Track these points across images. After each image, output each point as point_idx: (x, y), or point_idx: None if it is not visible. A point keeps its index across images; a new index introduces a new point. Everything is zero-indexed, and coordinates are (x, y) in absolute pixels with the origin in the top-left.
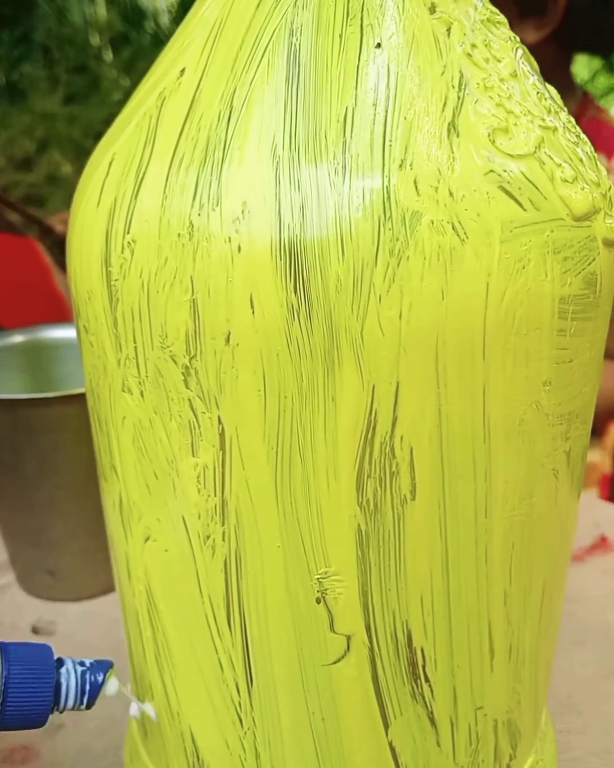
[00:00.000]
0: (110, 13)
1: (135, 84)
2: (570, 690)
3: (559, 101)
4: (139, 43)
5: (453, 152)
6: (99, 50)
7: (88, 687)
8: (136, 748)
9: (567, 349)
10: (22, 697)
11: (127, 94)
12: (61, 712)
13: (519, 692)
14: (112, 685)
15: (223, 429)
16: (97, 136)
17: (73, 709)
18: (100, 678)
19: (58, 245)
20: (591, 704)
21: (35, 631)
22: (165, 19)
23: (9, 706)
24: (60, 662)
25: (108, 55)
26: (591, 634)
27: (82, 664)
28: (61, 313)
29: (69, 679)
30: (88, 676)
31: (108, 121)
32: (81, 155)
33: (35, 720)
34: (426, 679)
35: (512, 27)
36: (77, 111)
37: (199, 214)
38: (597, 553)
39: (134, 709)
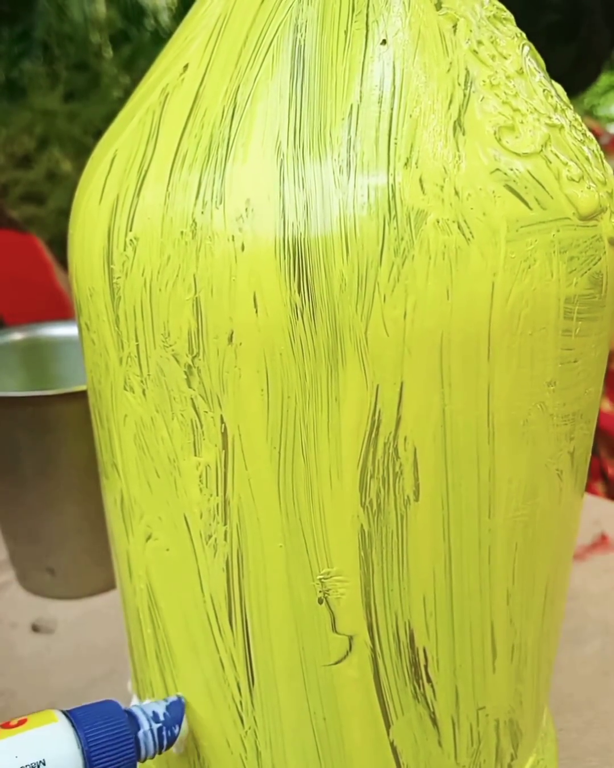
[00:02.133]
0: (110, 11)
1: (135, 81)
2: (570, 688)
3: (566, 99)
4: (139, 41)
5: (459, 150)
6: (99, 47)
7: (165, 741)
8: None
9: (572, 350)
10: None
11: (127, 92)
12: (142, 762)
13: (521, 692)
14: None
15: (225, 428)
16: (97, 134)
17: (153, 758)
18: (177, 730)
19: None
20: (591, 702)
21: (35, 629)
22: (165, 17)
23: None
24: (134, 720)
25: (108, 53)
26: (591, 632)
27: (156, 718)
28: (63, 310)
29: (146, 739)
30: (165, 731)
31: (108, 119)
32: (81, 153)
33: None
34: (428, 680)
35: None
36: (77, 108)
37: (202, 212)
38: (597, 551)
39: None
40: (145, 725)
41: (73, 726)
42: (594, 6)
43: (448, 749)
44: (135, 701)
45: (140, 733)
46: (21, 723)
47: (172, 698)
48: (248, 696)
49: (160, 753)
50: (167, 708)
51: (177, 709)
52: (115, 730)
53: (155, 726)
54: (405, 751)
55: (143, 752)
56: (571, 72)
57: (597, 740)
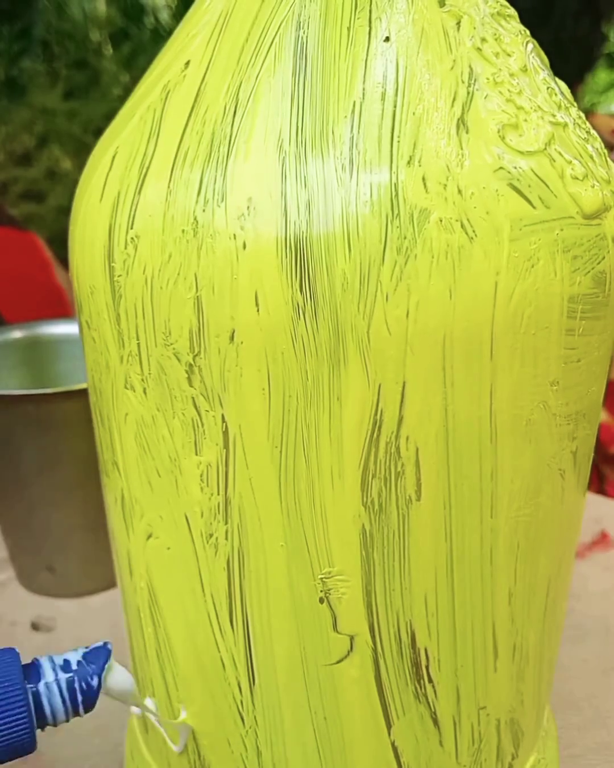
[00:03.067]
0: (110, 9)
1: (135, 79)
2: (571, 686)
3: (569, 97)
4: (139, 39)
5: (462, 149)
6: (99, 45)
7: (80, 696)
8: (137, 744)
9: (575, 349)
10: None
11: (128, 90)
12: (55, 726)
13: (523, 692)
14: (118, 678)
15: (226, 427)
16: (97, 132)
17: (68, 720)
18: (95, 681)
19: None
20: (592, 700)
21: (35, 627)
22: (165, 15)
23: None
24: (35, 670)
25: (108, 51)
26: (591, 631)
27: (66, 667)
28: (62, 308)
29: (51, 692)
30: (77, 683)
31: (108, 117)
32: (81, 151)
33: (18, 748)
34: (430, 680)
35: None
36: (77, 106)
37: (203, 210)
38: (597, 549)
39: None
40: (48, 675)
41: None
42: None
43: (449, 749)
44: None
45: (41, 685)
46: None
47: (97, 644)
48: (249, 695)
49: (75, 714)
50: (84, 656)
51: (98, 657)
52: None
53: (64, 676)
54: (407, 750)
55: (48, 710)
56: (554, 58)
57: (597, 738)
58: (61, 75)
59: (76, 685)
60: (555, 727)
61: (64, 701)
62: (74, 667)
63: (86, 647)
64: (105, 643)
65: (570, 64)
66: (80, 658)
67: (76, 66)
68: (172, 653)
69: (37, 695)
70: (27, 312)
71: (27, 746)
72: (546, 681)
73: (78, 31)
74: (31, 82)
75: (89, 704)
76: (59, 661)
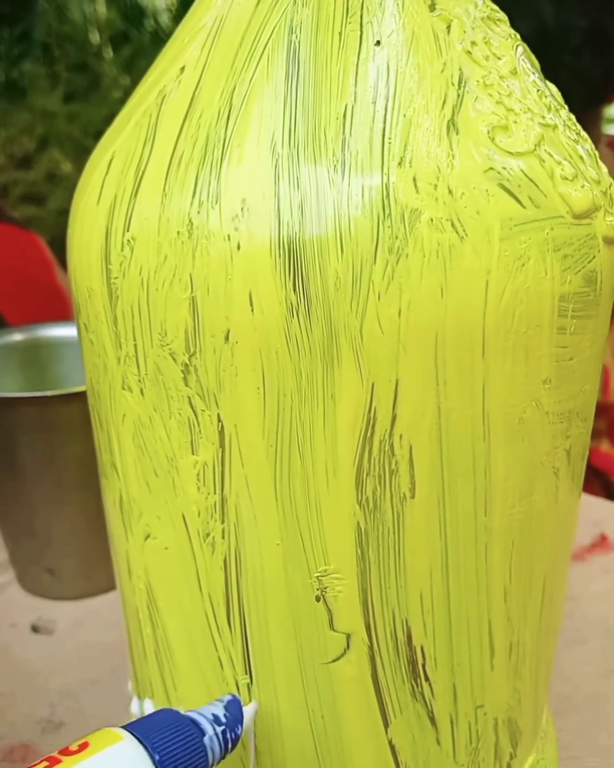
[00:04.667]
0: (110, 11)
1: (135, 82)
2: (570, 688)
3: (559, 99)
4: (139, 42)
5: (452, 150)
6: (99, 48)
7: (230, 745)
8: None
9: (567, 348)
10: None
11: (127, 93)
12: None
13: (520, 690)
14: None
15: (222, 427)
16: (97, 135)
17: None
18: (239, 729)
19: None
20: (591, 702)
21: (35, 629)
22: (165, 18)
23: None
24: (195, 726)
25: (108, 54)
26: (591, 633)
27: (218, 720)
28: (63, 310)
29: (212, 743)
30: (228, 733)
31: (108, 120)
32: (81, 153)
33: None
34: (426, 678)
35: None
36: (77, 109)
37: (198, 212)
38: (597, 551)
39: (134, 706)
40: (208, 730)
41: (140, 741)
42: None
43: (447, 748)
44: (135, 704)
45: (206, 739)
46: (83, 747)
47: (227, 697)
48: (247, 694)
49: (223, 758)
50: (226, 708)
51: (235, 709)
52: (184, 739)
53: (219, 729)
54: (404, 749)
55: (211, 758)
56: (604, 85)
57: (597, 740)
58: (61, 78)
59: (228, 735)
60: (554, 729)
61: (221, 748)
62: (223, 720)
63: (222, 701)
64: (234, 696)
65: (572, 99)
66: (225, 712)
67: (76, 69)
68: (171, 653)
69: (204, 746)
70: (28, 313)
71: None
72: (544, 681)
73: (78, 34)
74: (31, 85)
75: (233, 747)
76: (209, 715)
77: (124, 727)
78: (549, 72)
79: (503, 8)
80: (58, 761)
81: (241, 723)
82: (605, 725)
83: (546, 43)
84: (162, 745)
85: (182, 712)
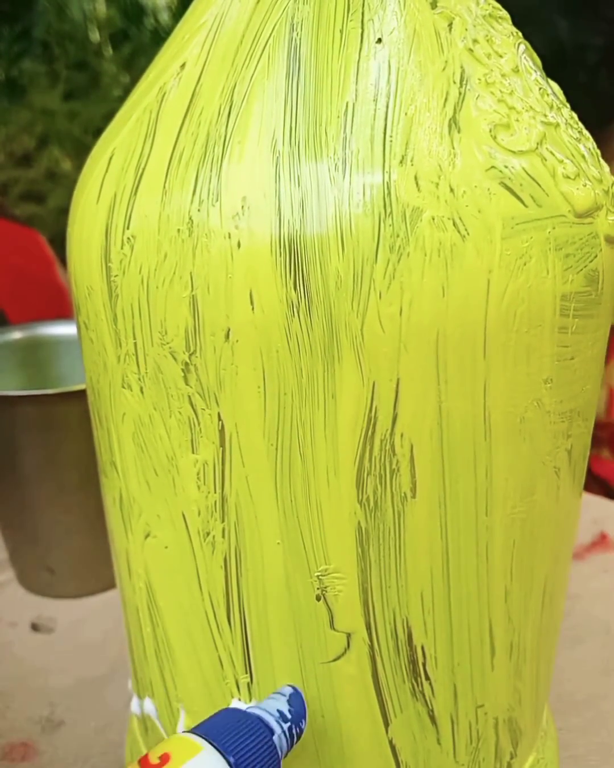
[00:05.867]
0: (110, 10)
1: (135, 80)
2: (571, 687)
3: (562, 97)
4: (139, 40)
5: (454, 148)
6: (99, 46)
7: (295, 740)
8: (136, 744)
9: (568, 347)
10: None
11: (127, 91)
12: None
13: (520, 690)
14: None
15: (222, 426)
16: (97, 133)
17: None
18: (303, 724)
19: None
20: (591, 701)
21: (35, 628)
22: (165, 16)
23: None
24: (265, 724)
25: (108, 52)
26: (590, 632)
27: (284, 717)
28: (65, 307)
29: (281, 741)
30: (294, 729)
31: (108, 118)
32: (81, 151)
33: None
34: (427, 677)
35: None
36: (77, 107)
37: (198, 210)
38: (596, 550)
39: (134, 704)
40: (277, 729)
41: (218, 751)
42: None
43: (447, 747)
44: (135, 703)
45: (275, 738)
46: (164, 759)
47: (288, 690)
48: (247, 694)
49: (288, 754)
50: (289, 703)
51: (298, 703)
52: (258, 742)
53: (285, 726)
54: (404, 748)
55: (280, 756)
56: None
57: (597, 739)
58: (61, 76)
59: (294, 731)
60: (555, 728)
61: (288, 745)
62: (289, 716)
63: (284, 695)
64: (295, 689)
65: (587, 116)
66: (289, 707)
67: (76, 67)
68: (171, 652)
69: (274, 744)
70: (30, 310)
71: None
72: (545, 680)
73: (78, 32)
74: (31, 83)
75: (299, 739)
76: (275, 712)
77: (199, 734)
78: (565, 90)
79: (518, 25)
80: None
81: (305, 717)
82: (605, 724)
83: (562, 61)
84: (238, 751)
85: (245, 708)
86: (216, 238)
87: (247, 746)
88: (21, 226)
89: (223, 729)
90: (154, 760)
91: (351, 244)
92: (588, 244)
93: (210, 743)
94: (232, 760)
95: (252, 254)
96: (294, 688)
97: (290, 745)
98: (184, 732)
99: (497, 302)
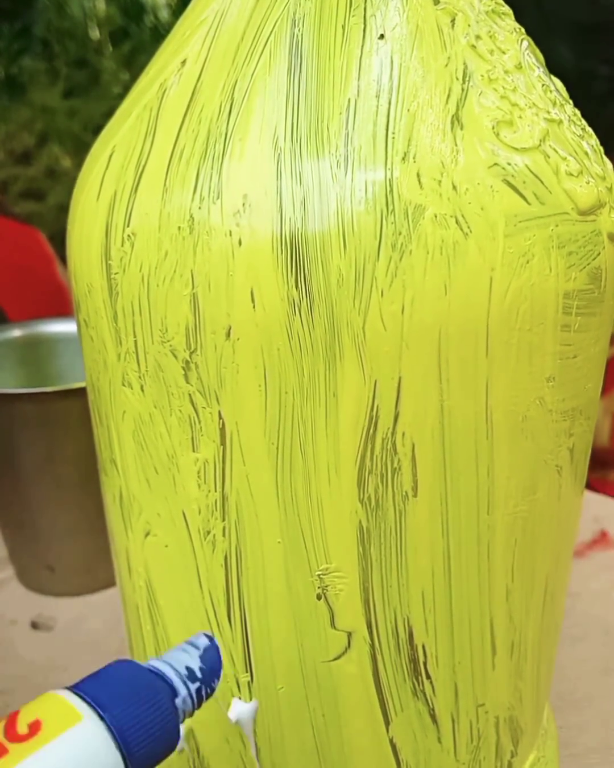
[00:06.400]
0: (110, 7)
1: (135, 78)
2: (571, 685)
3: (565, 94)
4: (139, 37)
5: (456, 145)
6: (99, 44)
7: (203, 702)
8: None
9: (571, 345)
10: (146, 750)
11: (127, 88)
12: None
13: (521, 689)
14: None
15: (223, 424)
16: (97, 130)
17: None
18: (215, 683)
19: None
20: (592, 700)
21: (35, 626)
22: (165, 13)
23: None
24: (166, 685)
25: (108, 49)
26: (591, 630)
27: (192, 676)
28: (65, 305)
29: (185, 704)
30: (204, 690)
31: (108, 115)
32: (81, 149)
33: (167, 754)
34: (428, 676)
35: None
36: (77, 105)
37: (199, 208)
38: (597, 548)
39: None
40: (182, 690)
41: (102, 720)
42: None
43: (448, 746)
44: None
45: (178, 701)
46: (33, 729)
47: (203, 642)
48: (247, 692)
49: (192, 715)
50: (202, 659)
51: (213, 658)
52: (154, 712)
53: (193, 686)
54: (405, 747)
55: (181, 719)
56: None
57: (598, 737)
58: (61, 73)
59: (203, 692)
60: (555, 726)
61: (193, 708)
62: (199, 675)
63: (197, 647)
64: (211, 639)
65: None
66: (200, 664)
67: (76, 64)
68: None
69: (177, 714)
70: (30, 308)
71: (172, 749)
72: (545, 679)
73: (78, 30)
74: (30, 81)
75: (207, 700)
76: (183, 670)
77: (81, 696)
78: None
79: None
80: (5, 751)
81: (219, 674)
82: (606, 723)
83: (568, 92)
84: (126, 722)
85: (148, 663)
86: (217, 236)
87: (139, 715)
88: (21, 223)
89: (112, 690)
90: (22, 728)
91: (353, 242)
92: (591, 242)
93: (93, 709)
94: (117, 732)
95: (253, 252)
96: (210, 638)
97: (196, 707)
98: (65, 689)
99: (499, 300)
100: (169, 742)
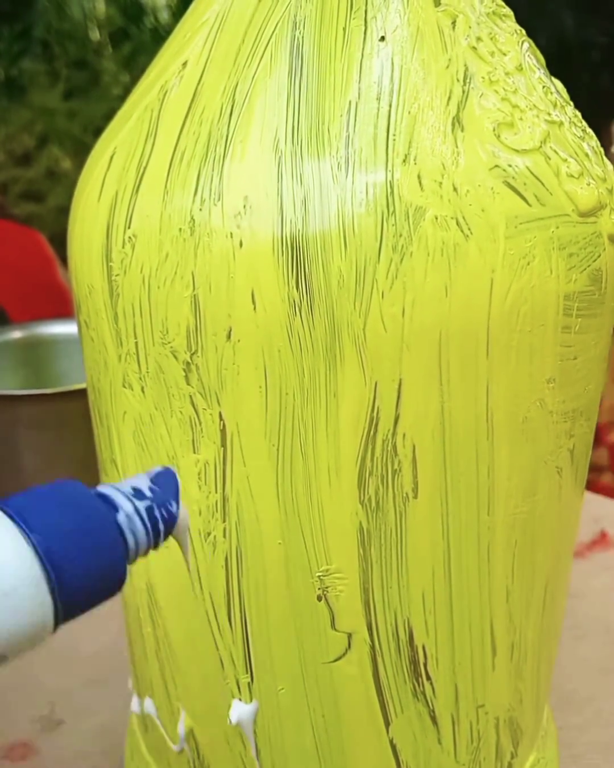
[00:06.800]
0: (110, 9)
1: (135, 79)
2: (571, 686)
3: (565, 95)
4: (139, 39)
5: (457, 147)
6: (99, 45)
7: (162, 524)
8: (136, 744)
9: (571, 347)
10: (79, 569)
11: (127, 90)
12: (136, 560)
13: (521, 690)
14: (182, 511)
15: (224, 425)
16: (97, 132)
17: (147, 552)
18: (174, 507)
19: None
20: (592, 700)
21: None
22: (165, 15)
23: (67, 587)
24: (104, 501)
25: (108, 51)
26: (591, 630)
27: (139, 495)
28: (64, 306)
29: (132, 523)
30: (157, 510)
31: (108, 117)
32: (81, 151)
33: (113, 585)
34: (428, 677)
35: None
36: (77, 106)
37: (200, 209)
38: (597, 548)
39: (134, 704)
40: (125, 505)
41: (19, 528)
42: None
43: (448, 747)
44: (135, 702)
45: (121, 517)
46: None
47: (157, 468)
48: (247, 694)
49: (156, 546)
50: (153, 480)
51: (168, 480)
52: (85, 523)
53: (142, 504)
54: (405, 748)
55: (132, 543)
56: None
57: (598, 738)
58: (61, 75)
59: (157, 513)
60: (555, 727)
61: (146, 531)
62: (148, 493)
63: (146, 473)
64: (167, 468)
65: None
66: (150, 485)
67: (76, 66)
68: (171, 653)
69: (119, 527)
70: (31, 309)
71: (121, 580)
72: (545, 680)
73: (78, 31)
74: (31, 82)
75: (168, 532)
76: (127, 489)
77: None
78: (567, 88)
79: (523, 20)
80: None
81: (177, 498)
82: (606, 723)
83: (565, 58)
84: (49, 530)
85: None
86: (218, 238)
87: (64, 524)
88: (21, 225)
89: (34, 501)
90: None
91: (353, 244)
92: (592, 244)
93: (10, 518)
94: (36, 541)
95: (254, 254)
96: (166, 467)
97: (153, 534)
98: None
99: (500, 302)
100: (110, 562)
